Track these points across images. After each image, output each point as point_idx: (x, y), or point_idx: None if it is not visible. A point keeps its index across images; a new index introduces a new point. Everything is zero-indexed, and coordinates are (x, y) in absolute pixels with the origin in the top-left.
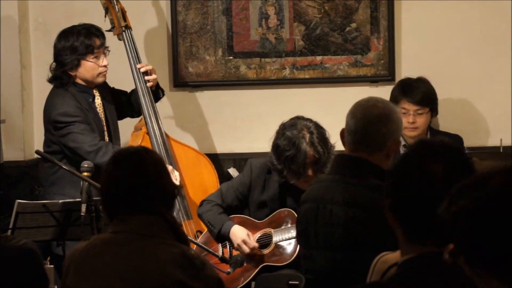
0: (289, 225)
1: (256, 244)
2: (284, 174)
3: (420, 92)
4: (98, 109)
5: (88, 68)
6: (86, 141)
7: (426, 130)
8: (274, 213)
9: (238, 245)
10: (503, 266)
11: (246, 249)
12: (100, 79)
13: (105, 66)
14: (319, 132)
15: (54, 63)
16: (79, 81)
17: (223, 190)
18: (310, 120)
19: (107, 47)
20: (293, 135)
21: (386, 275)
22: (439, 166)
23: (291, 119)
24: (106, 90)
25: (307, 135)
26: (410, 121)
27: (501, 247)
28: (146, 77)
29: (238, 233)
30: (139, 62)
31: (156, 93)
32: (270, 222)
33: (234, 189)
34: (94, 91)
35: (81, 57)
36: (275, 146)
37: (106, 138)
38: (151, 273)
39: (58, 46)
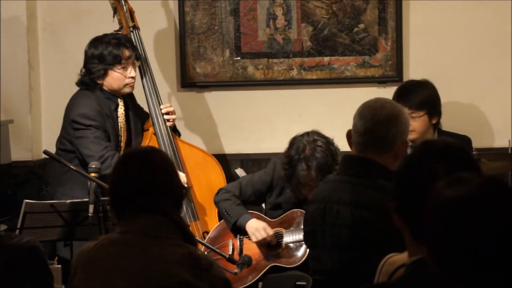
0: (301, 227)
1: (272, 232)
2: (289, 189)
3: (414, 96)
4: (119, 119)
5: (115, 78)
6: (96, 150)
7: (433, 132)
8: (287, 213)
9: (253, 233)
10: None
11: (263, 234)
12: (127, 90)
13: (132, 77)
14: (323, 156)
15: (83, 68)
16: (106, 89)
17: (242, 183)
18: (324, 141)
19: (138, 58)
20: (295, 154)
21: (393, 276)
22: (443, 166)
23: (306, 133)
24: (133, 103)
25: (307, 157)
26: None
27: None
28: (167, 117)
29: (256, 224)
30: (147, 62)
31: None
32: (282, 222)
33: (253, 185)
34: (119, 100)
35: (108, 67)
36: (281, 159)
37: (122, 147)
38: (158, 273)
39: (88, 53)
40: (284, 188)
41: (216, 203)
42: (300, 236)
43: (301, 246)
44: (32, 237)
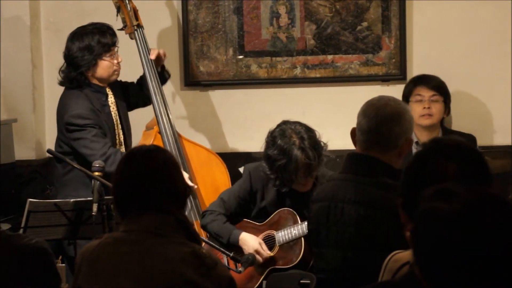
0: (290, 225)
1: (269, 253)
2: (277, 183)
3: (434, 80)
4: (111, 108)
5: (104, 67)
6: (96, 148)
7: (439, 129)
8: (274, 214)
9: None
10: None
11: (260, 259)
12: (115, 76)
13: (119, 63)
14: (309, 136)
15: (65, 66)
16: (93, 80)
17: (224, 198)
18: (299, 123)
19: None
20: (284, 143)
21: (398, 273)
22: (452, 165)
23: (279, 125)
24: (117, 87)
25: (297, 141)
26: (426, 106)
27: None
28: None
29: (250, 242)
30: (151, 60)
31: (162, 74)
32: (271, 223)
33: (235, 197)
34: (107, 89)
35: (98, 56)
36: (267, 156)
37: (121, 136)
38: (163, 272)
39: (73, 47)
40: (264, 192)
41: (204, 226)
42: (292, 235)
43: (295, 244)
44: (41, 239)
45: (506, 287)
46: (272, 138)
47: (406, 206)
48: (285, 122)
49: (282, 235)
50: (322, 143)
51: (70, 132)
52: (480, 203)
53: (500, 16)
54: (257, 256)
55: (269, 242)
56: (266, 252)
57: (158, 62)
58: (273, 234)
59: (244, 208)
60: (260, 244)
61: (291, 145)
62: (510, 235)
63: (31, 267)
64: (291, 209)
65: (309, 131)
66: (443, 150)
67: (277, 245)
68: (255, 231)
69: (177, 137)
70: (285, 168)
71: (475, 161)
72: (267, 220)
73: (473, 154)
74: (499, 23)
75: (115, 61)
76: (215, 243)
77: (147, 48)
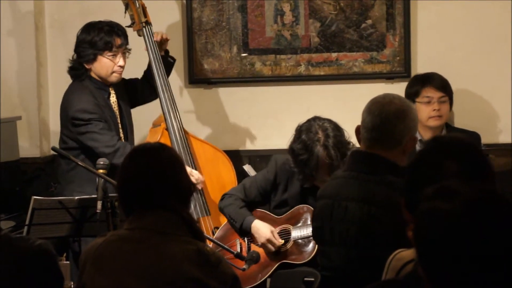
0: (308, 222)
1: (281, 241)
2: (300, 177)
3: (439, 79)
4: (113, 107)
5: (103, 64)
6: (104, 140)
7: (442, 127)
8: (293, 209)
9: (263, 244)
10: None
11: (272, 249)
12: (113, 78)
13: (121, 66)
14: (336, 135)
15: (74, 54)
16: (94, 76)
17: (246, 185)
18: (329, 121)
19: (128, 49)
20: (308, 138)
21: (401, 272)
22: (453, 164)
23: (308, 120)
24: (121, 88)
25: (322, 139)
26: (436, 108)
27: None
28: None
29: (262, 230)
30: (158, 57)
31: (166, 59)
32: (289, 218)
33: (257, 185)
34: (110, 88)
35: (98, 52)
36: (291, 149)
37: (121, 135)
38: (167, 269)
39: (80, 37)
40: (288, 185)
41: (221, 209)
42: (307, 231)
43: (309, 242)
44: (44, 240)
45: (507, 286)
46: (298, 132)
47: (409, 205)
48: (314, 118)
49: (298, 231)
50: (351, 144)
51: (76, 126)
52: (480, 202)
53: (504, 14)
54: (269, 246)
55: (284, 236)
56: (278, 241)
57: (161, 45)
58: (289, 228)
59: (264, 197)
60: (272, 232)
61: (315, 141)
62: (511, 234)
63: (33, 270)
64: (310, 207)
65: (337, 130)
66: (444, 148)
67: (292, 240)
68: (272, 223)
69: (184, 134)
70: (306, 163)
71: (476, 159)
72: (285, 214)
73: (474, 151)
74: (503, 22)
75: (117, 62)
76: (231, 227)
77: (155, 45)
